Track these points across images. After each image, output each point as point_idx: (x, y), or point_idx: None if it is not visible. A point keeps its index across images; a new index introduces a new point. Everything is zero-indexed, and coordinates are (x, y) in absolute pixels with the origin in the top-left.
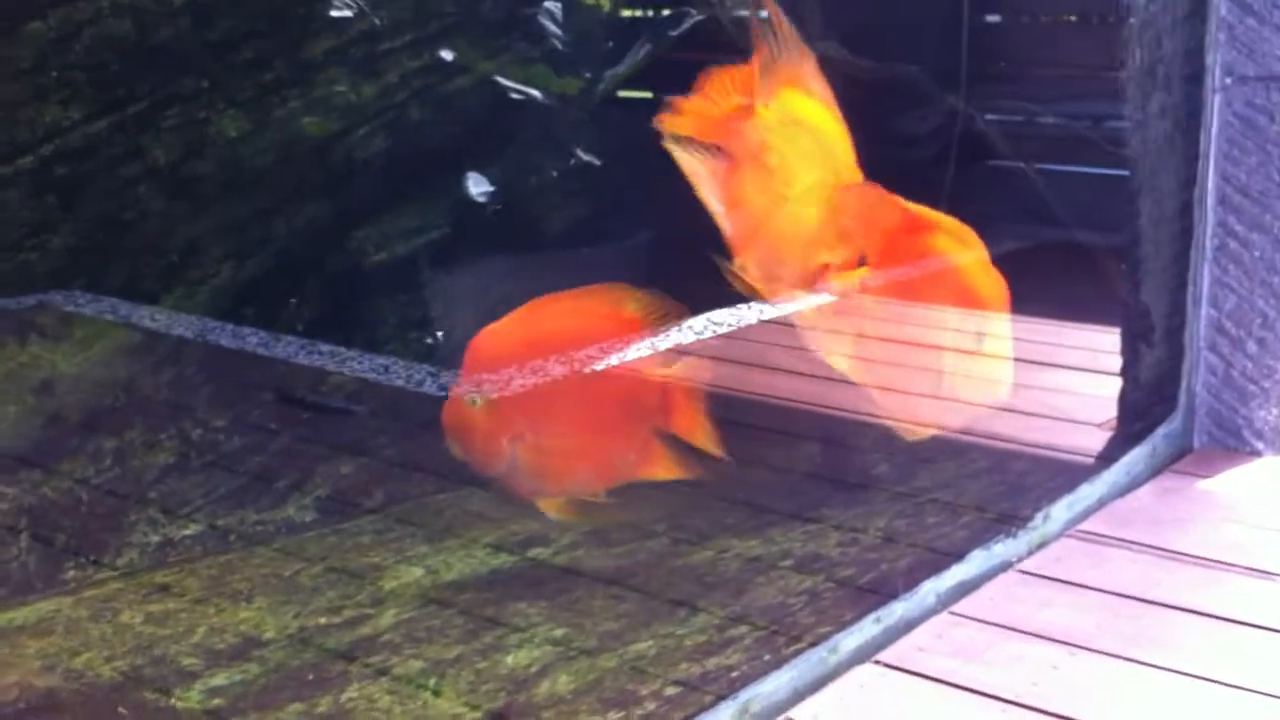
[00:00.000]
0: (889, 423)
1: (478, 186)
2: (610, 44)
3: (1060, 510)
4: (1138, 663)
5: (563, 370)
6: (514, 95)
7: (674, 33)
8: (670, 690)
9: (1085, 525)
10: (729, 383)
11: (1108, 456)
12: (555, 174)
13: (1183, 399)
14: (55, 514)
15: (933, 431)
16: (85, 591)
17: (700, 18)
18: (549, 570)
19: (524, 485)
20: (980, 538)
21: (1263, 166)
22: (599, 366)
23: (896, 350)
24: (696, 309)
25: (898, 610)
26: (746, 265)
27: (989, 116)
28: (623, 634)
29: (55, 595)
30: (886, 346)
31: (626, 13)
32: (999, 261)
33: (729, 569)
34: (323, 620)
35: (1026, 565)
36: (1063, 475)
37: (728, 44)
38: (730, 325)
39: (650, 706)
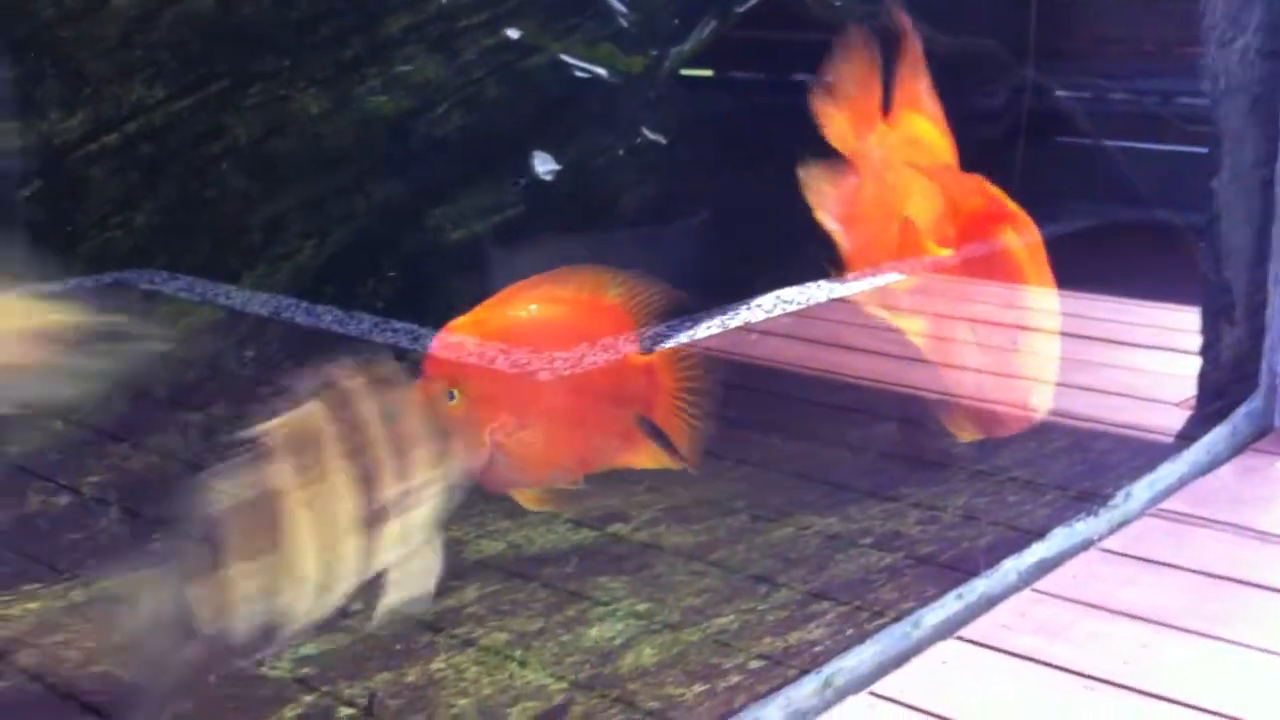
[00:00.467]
0: (945, 420)
1: (544, 165)
2: (677, 21)
3: (1141, 489)
4: (1226, 641)
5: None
6: (580, 74)
7: (740, 9)
8: (754, 664)
9: (1166, 504)
10: (800, 361)
11: (1188, 435)
12: (621, 152)
13: (1264, 377)
14: (143, 487)
15: (981, 435)
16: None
17: None
18: (629, 546)
19: (501, 478)
20: (1061, 516)
21: None
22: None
23: (963, 331)
24: (763, 287)
25: (979, 587)
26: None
27: (1059, 92)
28: (705, 609)
29: (144, 566)
30: (956, 327)
31: None
32: (1071, 239)
33: (809, 546)
34: None
35: (1108, 544)
36: (1143, 454)
37: (794, 20)
38: (799, 303)
39: (734, 679)
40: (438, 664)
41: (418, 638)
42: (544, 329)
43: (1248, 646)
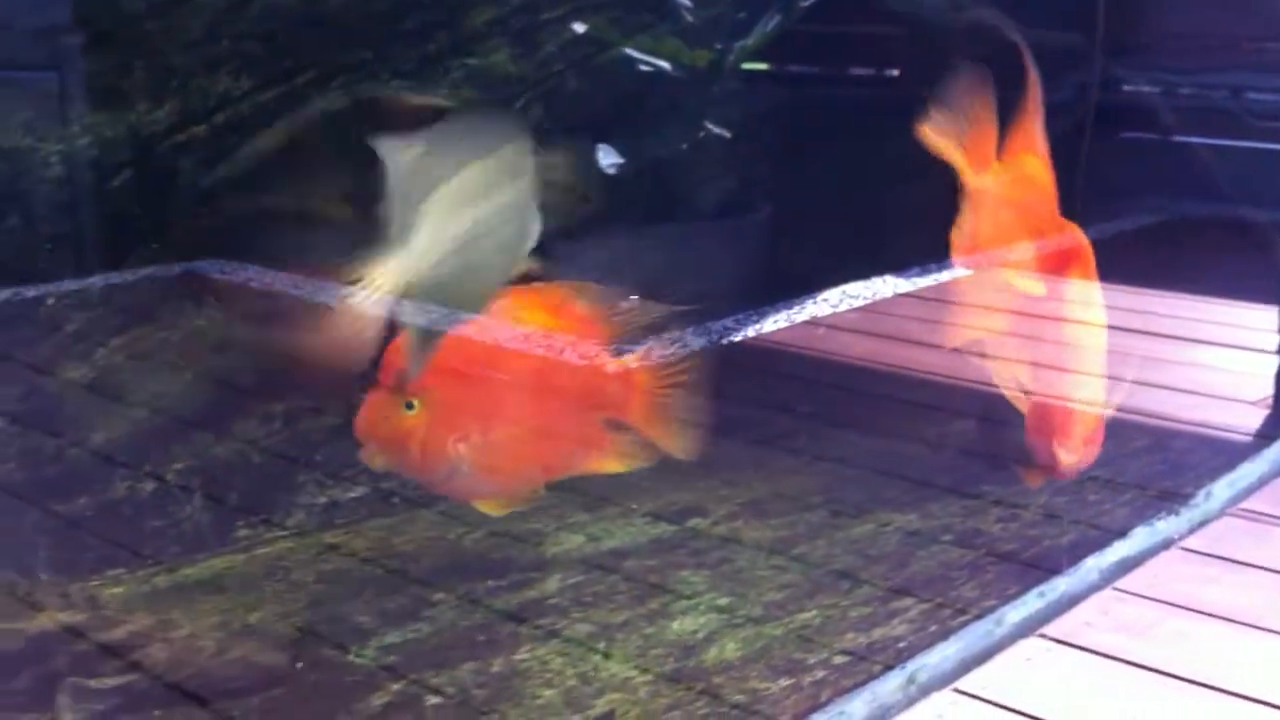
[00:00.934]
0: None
1: (608, 158)
2: (742, 15)
3: (1221, 488)
4: None
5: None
6: (644, 68)
7: (804, 3)
8: (838, 659)
9: (1247, 503)
10: (871, 356)
11: (1267, 434)
12: (685, 146)
13: None
14: (226, 475)
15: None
16: (257, 550)
17: None
18: (709, 540)
19: (464, 488)
20: (1142, 515)
21: None
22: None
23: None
24: (825, 283)
25: (1061, 585)
26: None
27: (1131, 87)
28: (787, 604)
29: (228, 553)
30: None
31: None
32: (1144, 235)
33: (889, 542)
34: (489, 583)
35: (1189, 543)
36: (1222, 453)
37: (857, 14)
38: (866, 298)
39: (819, 674)
40: (521, 654)
41: (500, 628)
42: (501, 332)
43: None
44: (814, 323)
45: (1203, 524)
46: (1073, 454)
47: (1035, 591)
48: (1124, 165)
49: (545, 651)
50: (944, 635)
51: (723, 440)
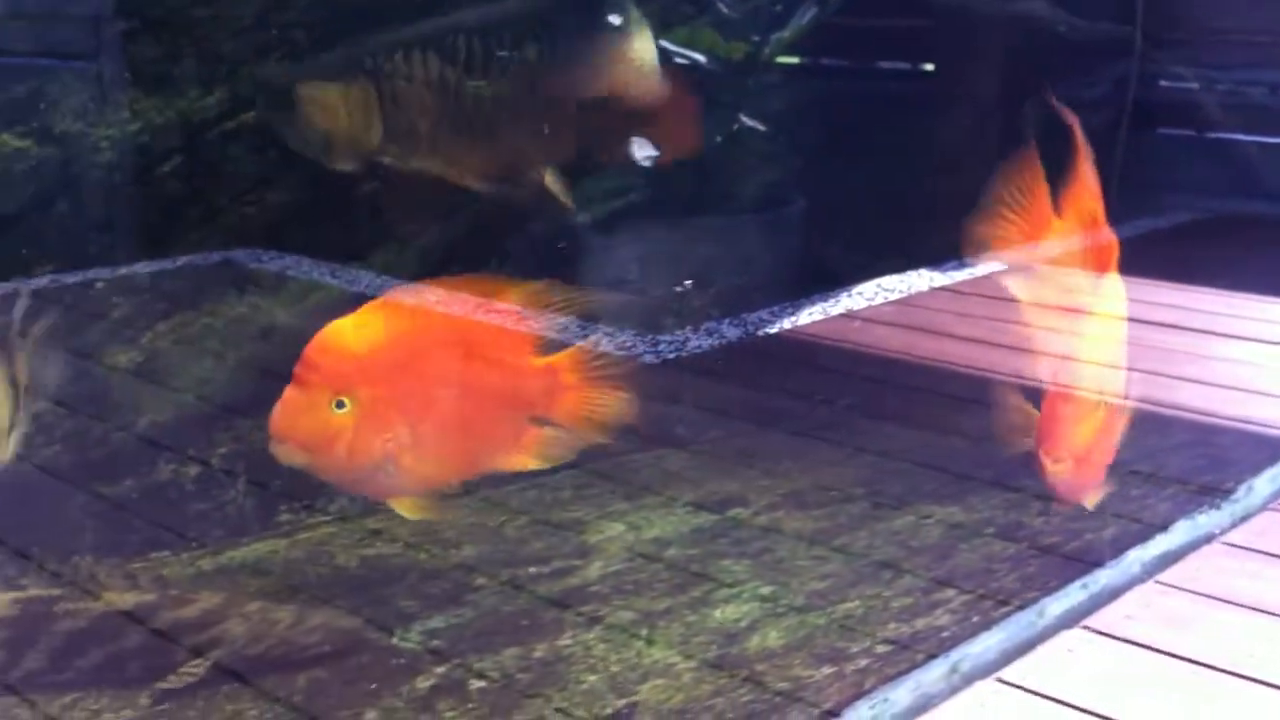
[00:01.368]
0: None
1: (643, 150)
2: (778, 7)
3: (1263, 483)
4: None
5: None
6: (679, 60)
7: None
8: (881, 648)
9: None
10: (908, 349)
11: None
12: (719, 140)
13: None
14: (269, 460)
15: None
16: (299, 535)
17: None
18: (750, 530)
19: (385, 487)
20: (1183, 509)
21: None
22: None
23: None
24: (859, 276)
25: (1103, 578)
26: None
27: (1164, 83)
28: (829, 593)
29: (271, 538)
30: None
31: None
32: (1183, 231)
33: (931, 534)
34: (531, 570)
35: (1231, 537)
36: (1264, 448)
37: (895, 8)
38: (900, 291)
39: (862, 663)
40: (565, 640)
41: (543, 614)
42: (427, 332)
43: None
44: (849, 315)
45: (1244, 519)
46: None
47: (1078, 584)
48: (1161, 161)
49: (588, 637)
50: (987, 626)
51: (763, 431)
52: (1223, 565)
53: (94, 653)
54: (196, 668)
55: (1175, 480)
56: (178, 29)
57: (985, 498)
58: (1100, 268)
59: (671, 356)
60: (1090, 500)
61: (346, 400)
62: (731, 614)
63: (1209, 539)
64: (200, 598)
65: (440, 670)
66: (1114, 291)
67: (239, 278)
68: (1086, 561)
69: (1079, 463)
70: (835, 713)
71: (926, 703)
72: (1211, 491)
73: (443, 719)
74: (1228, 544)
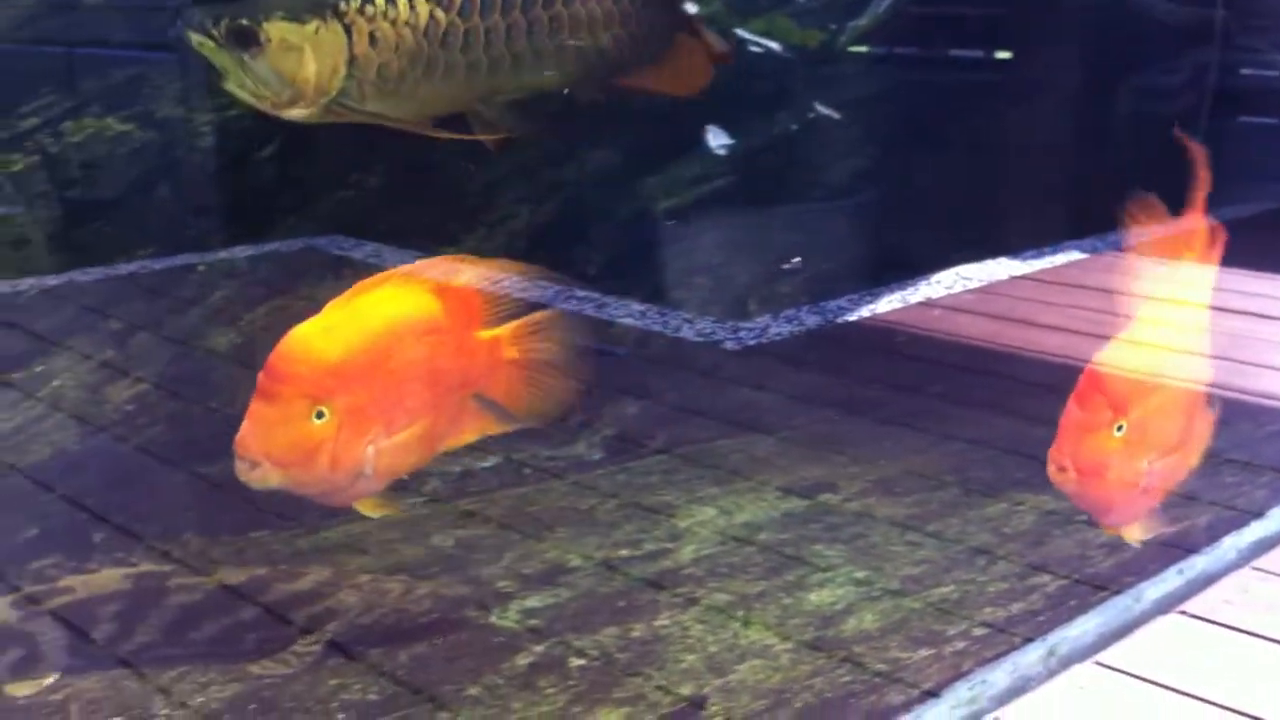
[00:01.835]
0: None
1: (717, 139)
2: None
3: None
4: None
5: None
6: (754, 48)
7: None
8: (978, 631)
9: None
10: (991, 337)
11: None
12: (794, 128)
13: None
14: None
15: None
16: (393, 515)
17: None
18: (841, 516)
19: (357, 491)
20: (1279, 496)
21: None
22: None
23: None
24: (937, 264)
25: (1199, 564)
26: None
27: (1245, 70)
28: (923, 578)
29: (364, 519)
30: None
31: None
32: (1259, 220)
33: (1024, 521)
34: (624, 552)
35: None
36: None
37: None
38: (979, 280)
39: (960, 645)
40: (661, 620)
41: (639, 595)
42: (396, 326)
43: None
44: (929, 304)
45: None
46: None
47: (1174, 569)
48: (1243, 149)
49: (684, 618)
50: (1083, 610)
51: (849, 418)
52: None
53: (205, 626)
54: (305, 643)
55: (1271, 468)
56: None
57: None
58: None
59: (752, 343)
60: (1112, 524)
61: (326, 409)
62: (826, 597)
63: None
64: (310, 572)
65: (539, 648)
66: (1204, 280)
67: (323, 263)
68: (1183, 548)
69: (1086, 475)
70: (934, 693)
71: (1024, 685)
72: None
73: (544, 695)
74: None
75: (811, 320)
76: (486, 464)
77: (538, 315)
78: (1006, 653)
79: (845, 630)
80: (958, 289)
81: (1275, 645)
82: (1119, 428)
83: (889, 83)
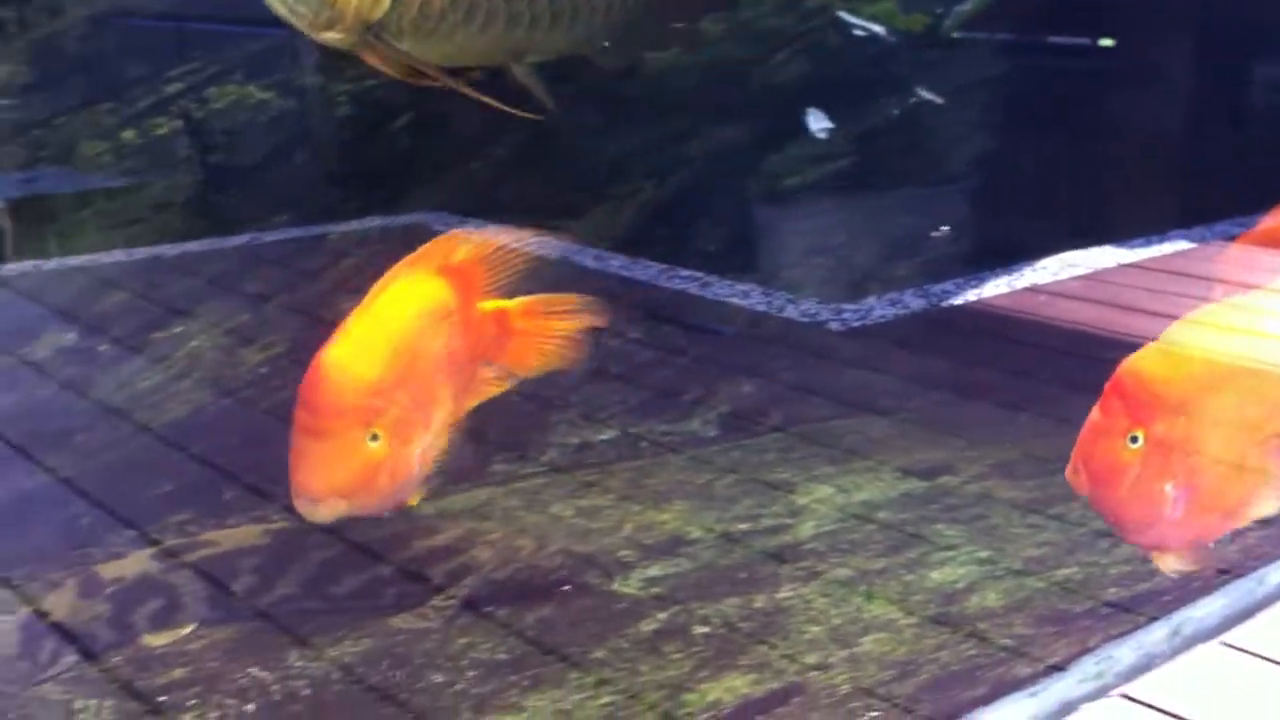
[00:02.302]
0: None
1: (818, 123)
2: None
3: None
4: None
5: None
6: (858, 32)
7: None
8: (1102, 610)
9: None
10: (1102, 324)
11: None
12: (896, 112)
13: None
14: (484, 410)
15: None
16: (514, 484)
17: None
18: (961, 497)
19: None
20: None
21: None
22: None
23: None
24: (1043, 251)
25: None
26: None
27: None
28: (1046, 559)
29: (486, 486)
30: None
31: None
32: None
33: None
34: (743, 526)
35: None
36: None
37: None
38: (1085, 267)
39: (1085, 623)
40: (784, 593)
41: (760, 568)
42: (415, 322)
43: None
44: (1035, 290)
45: None
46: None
47: None
48: None
49: (806, 591)
50: (1207, 591)
51: (964, 402)
52: None
53: (342, 581)
54: (439, 601)
55: None
56: None
57: None
58: None
59: (856, 325)
60: (1138, 543)
61: (379, 431)
62: (949, 575)
63: None
64: (444, 529)
65: (662, 616)
66: None
67: (422, 240)
68: None
69: (1096, 483)
70: (1061, 667)
71: (1149, 662)
72: None
73: (670, 660)
74: None
75: (916, 303)
76: (604, 437)
77: (552, 296)
78: (1132, 631)
79: (969, 607)
80: (1063, 276)
81: None
82: (1134, 439)
83: (994, 68)
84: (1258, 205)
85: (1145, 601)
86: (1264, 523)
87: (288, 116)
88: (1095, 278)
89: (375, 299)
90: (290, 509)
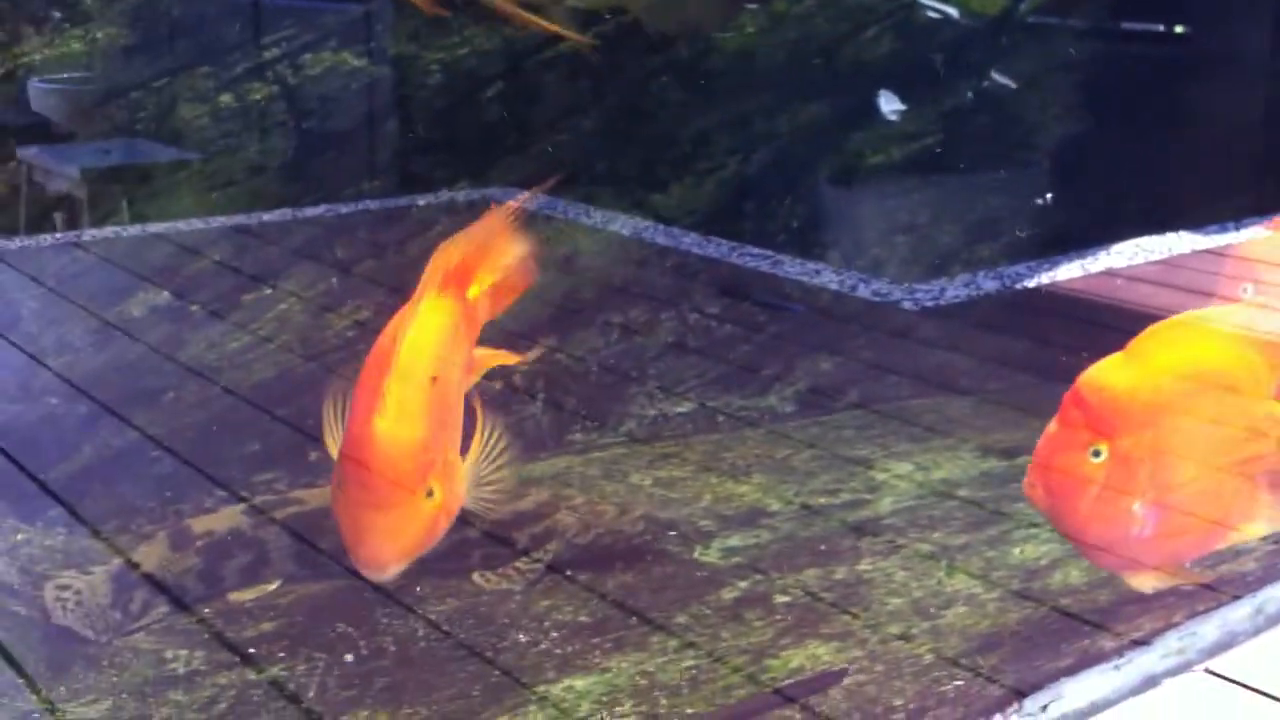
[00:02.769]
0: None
1: (889, 104)
2: None
3: None
4: None
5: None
6: (932, 14)
7: None
8: (1186, 588)
9: None
10: (1175, 308)
11: None
12: (970, 95)
13: None
14: (567, 381)
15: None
16: (592, 453)
17: None
18: None
19: None
20: None
21: None
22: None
23: None
24: (1117, 235)
25: None
26: None
27: None
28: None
29: (566, 454)
30: None
31: None
32: None
33: None
34: (822, 500)
35: None
36: None
37: None
38: (1161, 253)
39: (1168, 600)
40: (863, 565)
41: (840, 540)
42: (440, 359)
43: None
44: (1110, 273)
45: None
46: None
47: None
48: None
49: (887, 565)
50: None
51: (1043, 383)
52: None
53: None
54: (523, 564)
55: None
56: None
57: None
58: None
59: (930, 305)
60: (1103, 564)
61: (434, 485)
62: (1031, 552)
63: None
64: (527, 495)
65: (743, 584)
66: None
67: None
68: None
69: (1054, 498)
70: (1145, 642)
71: (1232, 639)
72: None
73: (752, 627)
74: None
75: (989, 285)
76: (681, 410)
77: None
78: (1215, 608)
79: (1052, 583)
80: (1139, 260)
81: None
82: (1096, 452)
83: (1068, 54)
84: None
85: (1229, 581)
86: None
87: (380, 84)
88: (1169, 263)
89: (399, 350)
90: None
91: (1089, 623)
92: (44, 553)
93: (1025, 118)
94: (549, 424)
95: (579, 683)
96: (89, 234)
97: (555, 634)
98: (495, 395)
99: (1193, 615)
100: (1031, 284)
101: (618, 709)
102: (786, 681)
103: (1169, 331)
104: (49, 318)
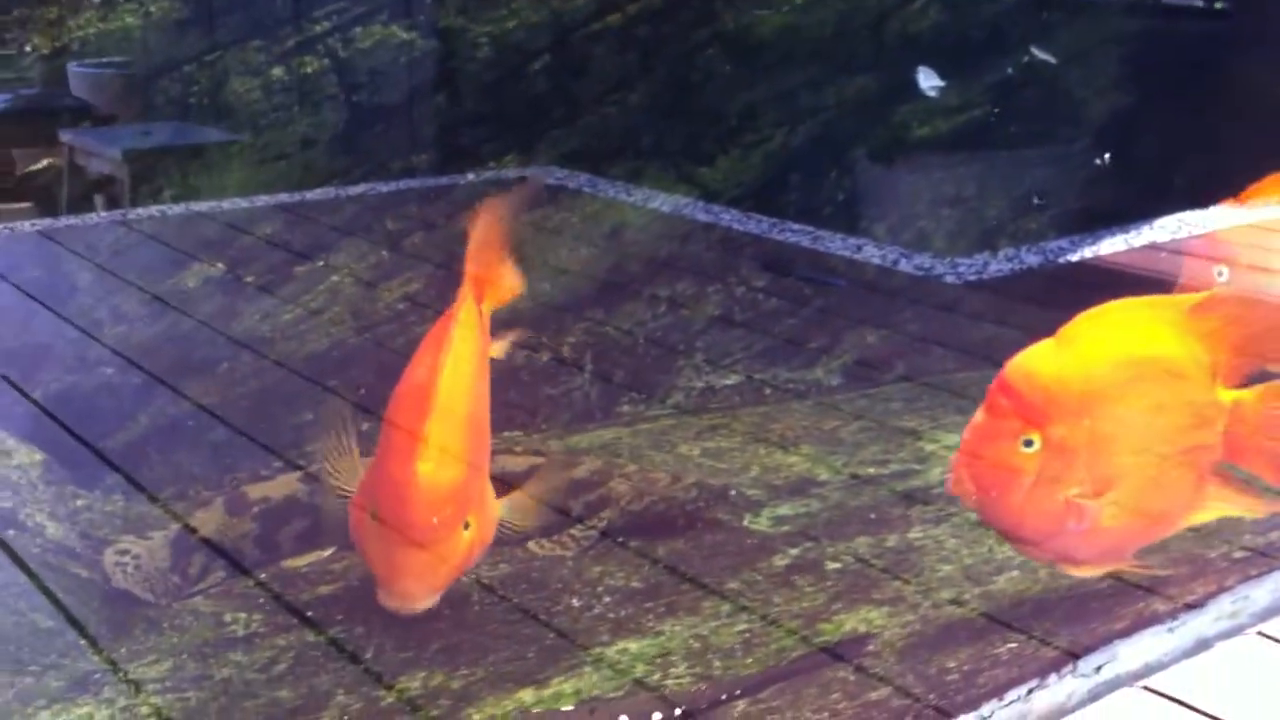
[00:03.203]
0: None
1: (928, 80)
2: None
3: None
4: None
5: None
6: None
7: None
8: (1238, 554)
9: None
10: (1214, 283)
11: None
12: (1010, 71)
13: None
14: (614, 353)
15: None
16: (640, 424)
17: None
18: None
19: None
20: None
21: None
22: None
23: None
24: (1160, 210)
25: None
26: None
27: None
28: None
29: (614, 425)
30: None
31: None
32: None
33: None
34: (871, 470)
35: None
36: None
37: None
38: (1203, 227)
39: (1220, 566)
40: (914, 534)
41: (890, 509)
42: (475, 381)
43: None
44: (1155, 247)
45: None
46: None
47: None
48: None
49: (938, 532)
50: None
51: None
52: None
53: None
54: (577, 531)
55: None
56: None
57: None
58: None
59: (972, 279)
60: (1037, 558)
61: (471, 517)
62: None
63: None
64: (578, 464)
65: (794, 551)
66: None
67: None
68: None
69: (982, 491)
70: (1198, 605)
71: None
72: None
73: (803, 593)
74: None
75: (1032, 259)
76: (729, 381)
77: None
78: (1266, 572)
79: None
80: (1181, 234)
81: None
82: (1028, 442)
83: (1112, 30)
84: None
85: (1277, 548)
86: None
87: (429, 58)
88: (1214, 237)
89: (438, 389)
90: None
91: (1141, 587)
92: (103, 518)
93: (1068, 93)
94: (598, 396)
95: (633, 645)
96: (134, 213)
97: (609, 598)
98: (543, 368)
99: (1245, 579)
100: (1075, 258)
101: (672, 670)
102: (843, 642)
103: (1102, 317)
104: (101, 291)
